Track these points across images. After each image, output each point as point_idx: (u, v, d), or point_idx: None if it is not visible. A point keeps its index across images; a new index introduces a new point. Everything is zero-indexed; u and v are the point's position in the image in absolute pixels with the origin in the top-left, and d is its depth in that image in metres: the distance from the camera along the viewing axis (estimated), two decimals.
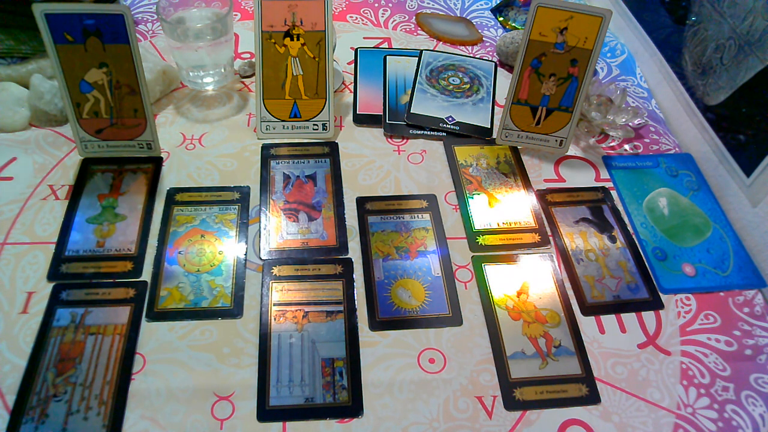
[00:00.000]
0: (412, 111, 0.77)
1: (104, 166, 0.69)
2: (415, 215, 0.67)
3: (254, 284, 0.60)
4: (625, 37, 0.94)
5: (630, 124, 0.77)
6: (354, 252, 0.63)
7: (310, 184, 0.69)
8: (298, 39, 0.71)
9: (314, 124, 0.74)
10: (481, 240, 0.65)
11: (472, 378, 0.55)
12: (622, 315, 0.60)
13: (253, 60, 0.77)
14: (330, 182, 0.69)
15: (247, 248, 0.63)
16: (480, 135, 0.76)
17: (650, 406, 0.54)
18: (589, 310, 0.60)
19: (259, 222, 0.65)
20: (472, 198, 0.69)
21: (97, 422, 0.50)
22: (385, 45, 0.90)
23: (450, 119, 0.77)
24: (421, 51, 0.85)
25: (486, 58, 0.87)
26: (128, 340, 0.55)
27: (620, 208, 0.70)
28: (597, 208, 0.69)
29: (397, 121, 0.77)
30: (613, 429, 0.52)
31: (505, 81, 0.83)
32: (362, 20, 0.95)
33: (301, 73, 0.72)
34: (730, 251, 0.66)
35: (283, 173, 0.70)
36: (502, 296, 0.60)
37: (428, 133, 0.76)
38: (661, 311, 0.61)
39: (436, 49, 0.88)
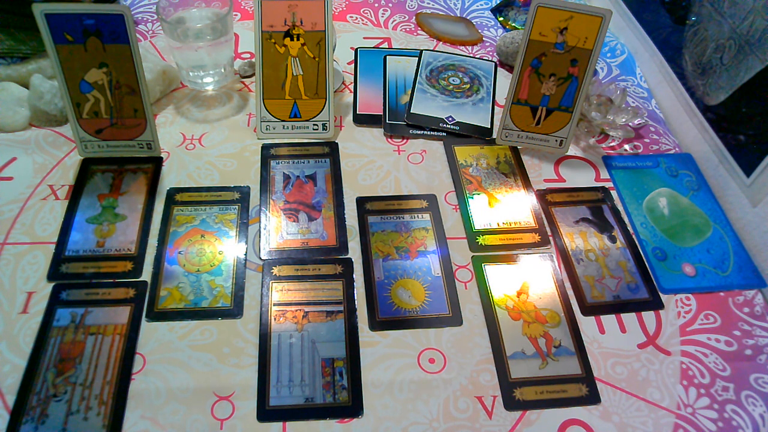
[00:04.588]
0: (412, 111, 0.77)
1: (104, 166, 0.69)
2: (415, 215, 0.67)
3: (254, 284, 0.60)
4: (625, 37, 0.94)
5: (630, 124, 0.77)
6: (354, 252, 0.63)
7: (310, 184, 0.69)
8: (298, 39, 0.71)
9: (314, 124, 0.74)
10: (481, 240, 0.65)
11: (472, 378, 0.55)
12: (622, 315, 0.60)
13: (253, 60, 0.77)
14: (330, 182, 0.69)
15: (247, 248, 0.63)
16: (480, 135, 0.76)
17: (650, 406, 0.54)
18: (589, 310, 0.60)
19: (259, 222, 0.65)
20: (472, 198, 0.69)
21: (97, 422, 0.50)
22: (385, 45, 0.90)
23: (450, 119, 0.77)
24: (421, 51, 0.85)
25: (486, 58, 0.87)
26: (128, 340, 0.55)
27: (620, 208, 0.70)
28: (597, 208, 0.69)
29: (397, 121, 0.77)
30: (613, 429, 0.52)
31: (505, 81, 0.83)
32: (362, 20, 0.95)
33: (301, 73, 0.72)
34: (730, 251, 0.66)
35: (283, 173, 0.70)
36: (502, 296, 0.60)
37: (428, 133, 0.76)
38: (661, 311, 0.61)
39: (436, 49, 0.88)
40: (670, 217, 0.69)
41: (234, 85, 0.82)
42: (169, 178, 0.69)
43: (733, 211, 0.69)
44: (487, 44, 0.92)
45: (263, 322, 0.57)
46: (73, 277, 0.59)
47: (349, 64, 0.86)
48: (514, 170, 0.73)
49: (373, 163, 0.72)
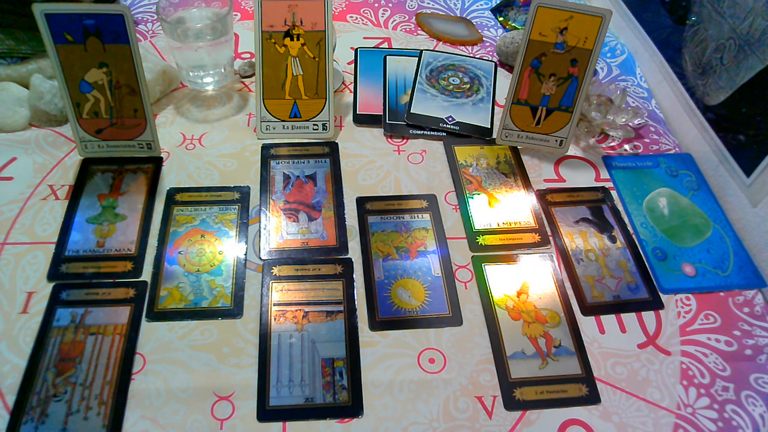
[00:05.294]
0: (412, 111, 0.77)
1: (104, 166, 0.69)
2: (415, 215, 0.67)
3: (254, 284, 0.60)
4: (625, 37, 0.94)
5: (630, 124, 0.77)
6: (354, 252, 0.63)
7: (310, 184, 0.69)
8: (298, 39, 0.71)
9: (314, 124, 0.74)
10: (481, 240, 0.65)
11: (472, 378, 0.55)
12: (622, 315, 0.60)
13: (253, 60, 0.77)
14: (330, 182, 0.69)
15: (247, 248, 0.63)
16: (480, 135, 0.76)
17: (650, 406, 0.54)
18: (589, 310, 0.60)
19: (259, 222, 0.65)
20: (472, 198, 0.69)
21: (97, 422, 0.50)
22: (385, 45, 0.90)
23: (450, 119, 0.77)
24: (421, 51, 0.85)
25: (486, 58, 0.87)
26: (128, 340, 0.55)
27: (620, 208, 0.70)
28: (597, 208, 0.69)
29: (397, 121, 0.77)
30: (613, 429, 0.52)
31: (505, 81, 0.83)
32: (362, 20, 0.95)
33: (301, 73, 0.72)
34: (730, 251, 0.66)
35: (283, 173, 0.70)
36: (502, 296, 0.60)
37: (428, 133, 0.76)
38: (661, 311, 0.61)
39: (436, 49, 0.88)
40: (670, 217, 0.69)
41: (234, 85, 0.82)
42: (169, 178, 0.69)
43: (733, 211, 0.69)
44: (487, 44, 0.92)
45: (263, 322, 0.57)
46: (73, 277, 0.59)
47: (349, 64, 0.86)
48: (514, 170, 0.73)
49: (373, 163, 0.72)
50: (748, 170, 0.66)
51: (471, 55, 0.89)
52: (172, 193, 0.67)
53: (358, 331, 0.57)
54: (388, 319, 0.58)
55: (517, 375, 0.55)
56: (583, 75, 0.69)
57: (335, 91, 0.81)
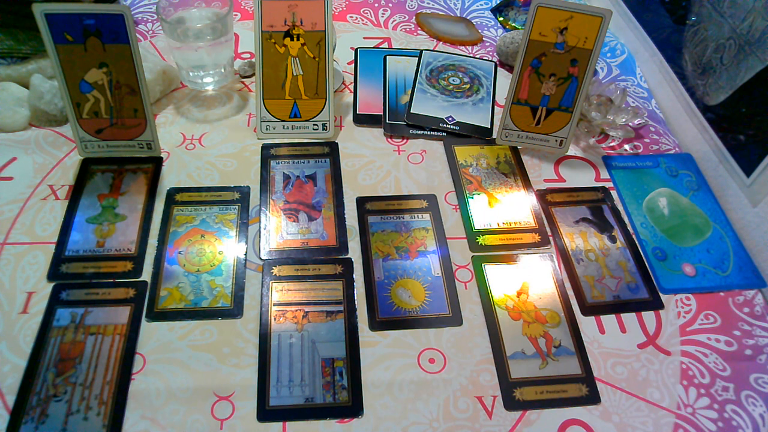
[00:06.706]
0: (412, 111, 0.77)
1: (104, 166, 0.69)
2: (415, 215, 0.67)
3: (254, 284, 0.60)
4: (625, 37, 0.94)
5: (630, 124, 0.77)
6: (354, 252, 0.63)
7: (310, 184, 0.69)
8: (298, 39, 0.71)
9: (314, 124, 0.74)
10: (481, 240, 0.65)
11: (472, 378, 0.55)
12: (622, 315, 0.60)
13: (253, 60, 0.77)
14: (330, 182, 0.69)
15: (247, 248, 0.63)
16: (480, 135, 0.76)
17: (650, 406, 0.54)
18: (589, 310, 0.60)
19: (259, 222, 0.65)
20: (472, 198, 0.69)
21: (97, 422, 0.50)
22: (385, 45, 0.90)
23: (450, 119, 0.77)
24: (421, 51, 0.85)
25: (486, 58, 0.87)
26: (128, 340, 0.55)
27: (620, 208, 0.70)
28: (597, 208, 0.69)
29: (397, 121, 0.77)
30: (613, 429, 0.52)
31: (505, 81, 0.82)
32: (362, 20, 0.95)
33: (301, 73, 0.72)
34: (730, 251, 0.66)
35: (283, 173, 0.70)
36: (502, 296, 0.60)
37: (428, 133, 0.76)
38: (661, 311, 0.61)
39: (436, 49, 0.88)
40: (670, 217, 0.69)
41: (234, 85, 0.82)
42: (169, 178, 0.69)
43: (733, 211, 0.69)
44: (487, 44, 0.92)
45: (263, 322, 0.57)
46: (73, 277, 0.59)
47: (349, 64, 0.86)
48: (514, 170, 0.73)
49: (373, 163, 0.72)
50: (748, 170, 0.66)
51: (471, 55, 0.89)
52: (172, 193, 0.67)
53: (358, 331, 0.57)
54: (388, 319, 0.58)
55: (517, 375, 0.55)
56: (583, 75, 0.69)
57: (335, 91, 0.81)
